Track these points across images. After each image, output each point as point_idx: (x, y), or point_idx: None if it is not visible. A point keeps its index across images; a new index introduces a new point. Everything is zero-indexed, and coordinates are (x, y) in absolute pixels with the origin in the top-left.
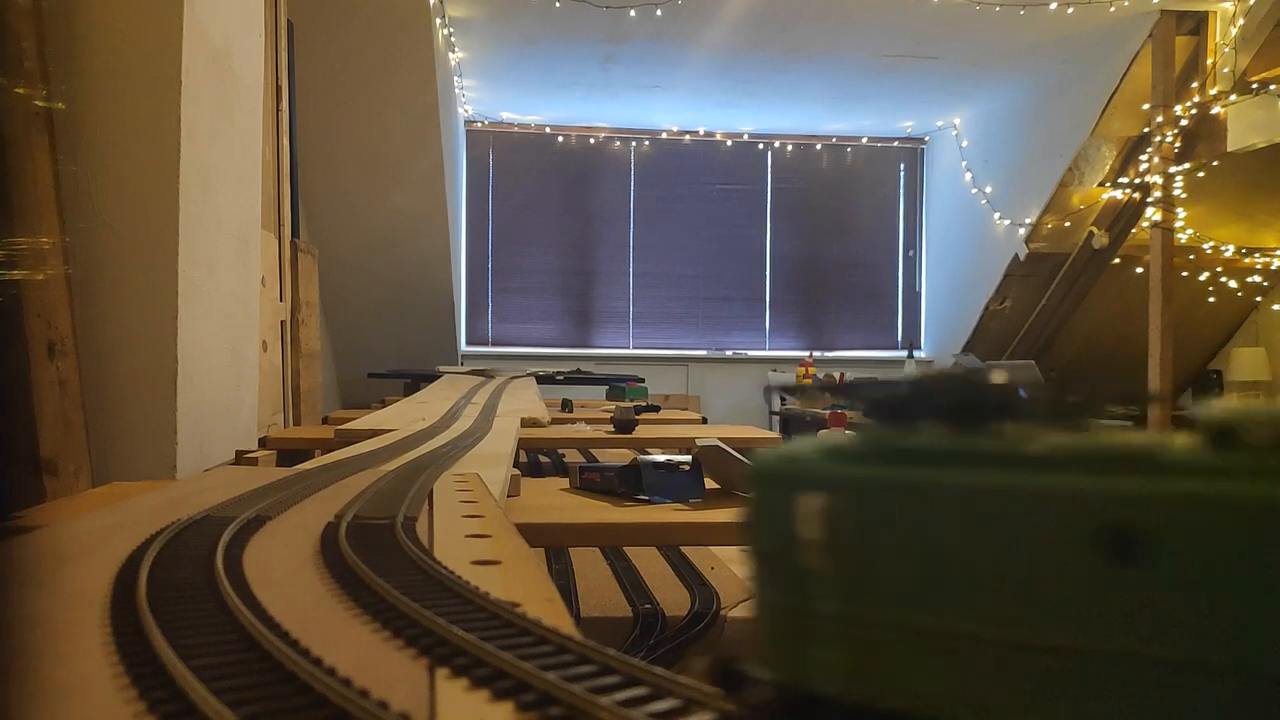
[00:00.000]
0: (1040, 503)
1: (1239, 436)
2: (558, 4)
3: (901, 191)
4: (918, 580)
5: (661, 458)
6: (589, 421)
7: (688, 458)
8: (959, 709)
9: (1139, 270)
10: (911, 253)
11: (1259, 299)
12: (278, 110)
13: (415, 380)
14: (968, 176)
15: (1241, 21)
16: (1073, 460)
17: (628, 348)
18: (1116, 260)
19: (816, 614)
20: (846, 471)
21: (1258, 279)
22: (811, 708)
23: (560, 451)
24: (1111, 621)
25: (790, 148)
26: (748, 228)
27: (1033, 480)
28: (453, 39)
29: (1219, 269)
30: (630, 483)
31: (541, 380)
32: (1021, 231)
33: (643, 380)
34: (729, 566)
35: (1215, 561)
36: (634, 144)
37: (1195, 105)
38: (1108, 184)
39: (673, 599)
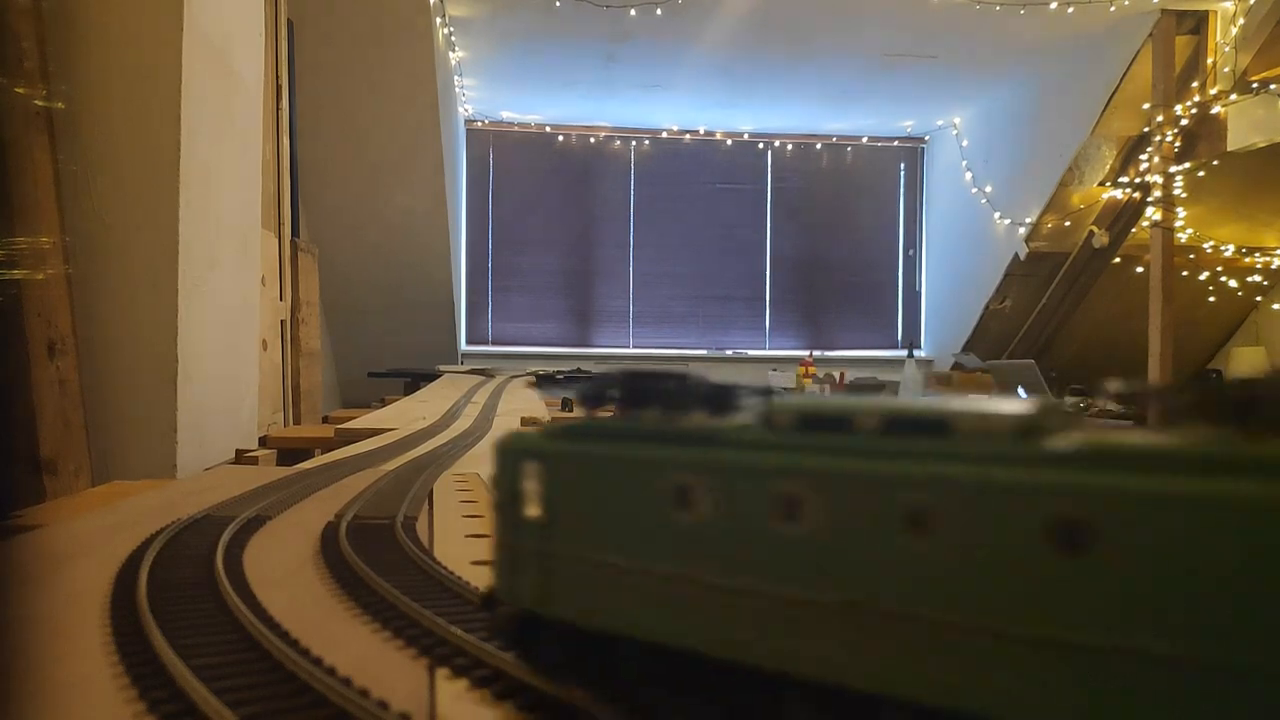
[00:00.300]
0: (646, 469)
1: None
2: (558, 3)
3: (902, 191)
4: (587, 525)
5: None
6: None
7: None
8: (618, 620)
9: (1139, 270)
10: (911, 252)
11: (1259, 298)
12: (278, 109)
13: (415, 379)
14: (968, 176)
15: (1242, 21)
16: (674, 438)
17: (628, 347)
18: (1117, 260)
19: (525, 550)
20: (549, 445)
21: (1258, 278)
22: (528, 622)
23: None
24: (679, 551)
25: (790, 147)
26: (748, 227)
27: (650, 451)
28: (453, 38)
29: (1219, 268)
30: None
31: (542, 380)
32: (1022, 231)
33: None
34: None
35: (743, 507)
36: (634, 143)
37: (1195, 105)
38: (1108, 183)
39: None
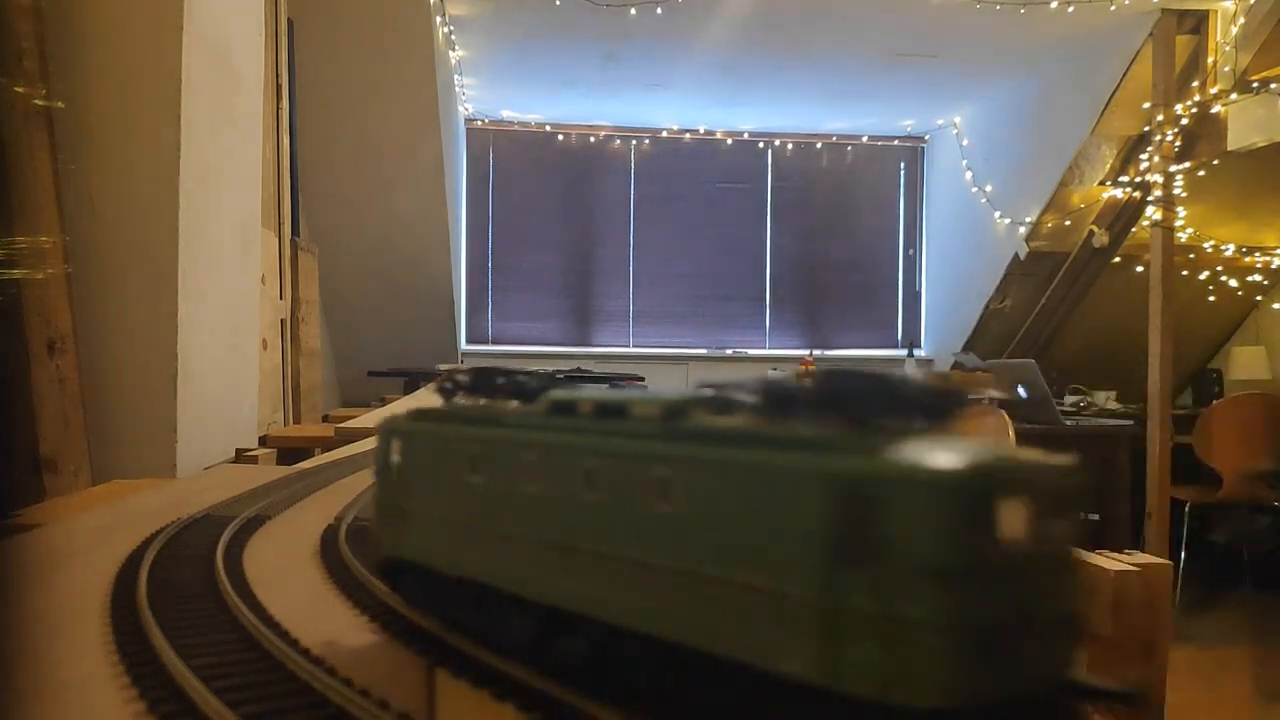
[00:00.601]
0: (455, 443)
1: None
2: (558, 2)
3: (902, 190)
4: (423, 486)
5: None
6: None
7: None
8: (440, 560)
9: (1139, 269)
10: (912, 251)
11: (1259, 298)
12: (278, 108)
13: (415, 378)
14: (968, 175)
15: (1242, 20)
16: (477, 419)
17: (628, 346)
18: (1117, 259)
19: (390, 507)
20: (405, 425)
21: (1258, 278)
22: (395, 564)
23: None
24: (471, 508)
25: (790, 146)
26: (748, 226)
27: (458, 430)
28: (453, 37)
29: (1219, 268)
30: None
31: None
32: (1022, 230)
33: (643, 379)
34: None
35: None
36: (634, 142)
37: (1196, 104)
38: (1108, 183)
39: None
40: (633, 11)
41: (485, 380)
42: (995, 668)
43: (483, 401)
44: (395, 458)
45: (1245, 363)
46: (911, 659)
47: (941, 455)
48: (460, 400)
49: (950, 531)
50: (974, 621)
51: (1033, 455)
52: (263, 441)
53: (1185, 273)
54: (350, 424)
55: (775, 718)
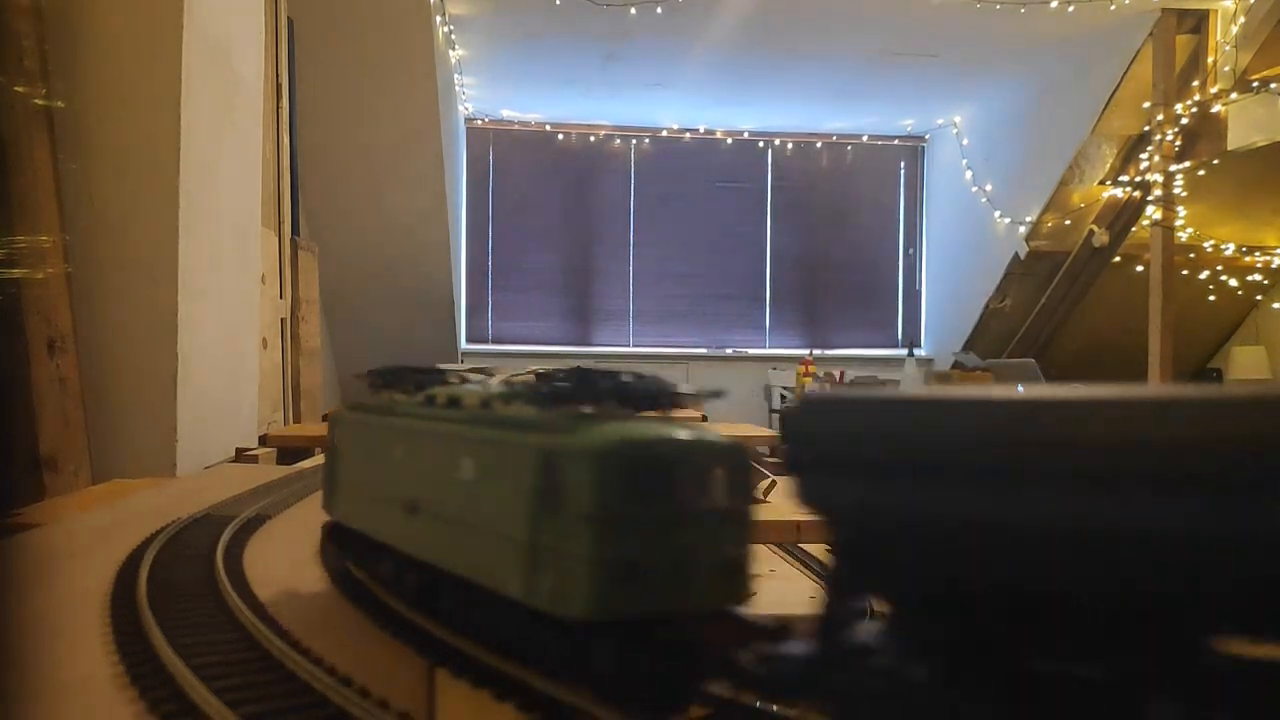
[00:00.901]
0: (364, 426)
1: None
2: (558, 2)
3: (902, 190)
4: (347, 461)
5: None
6: None
7: None
8: (355, 521)
9: (1139, 269)
10: (912, 251)
11: (1259, 297)
12: (278, 108)
13: None
14: (968, 175)
15: (1242, 20)
16: (385, 409)
17: (628, 346)
18: (1117, 259)
19: (331, 480)
20: (344, 414)
21: (1258, 277)
22: (335, 527)
23: None
24: (372, 478)
25: (790, 146)
26: (748, 226)
27: (368, 417)
28: (453, 36)
29: (1219, 267)
30: None
31: (541, 379)
32: (1022, 230)
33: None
34: None
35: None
36: (634, 142)
37: (1196, 104)
38: (1108, 182)
39: None
40: (633, 11)
41: (394, 376)
42: (631, 592)
43: (389, 394)
44: (334, 440)
45: (1245, 362)
46: (570, 582)
47: (611, 433)
48: (378, 393)
49: (596, 489)
50: (612, 557)
51: (702, 436)
52: (263, 441)
53: (1185, 272)
54: None
55: (516, 633)
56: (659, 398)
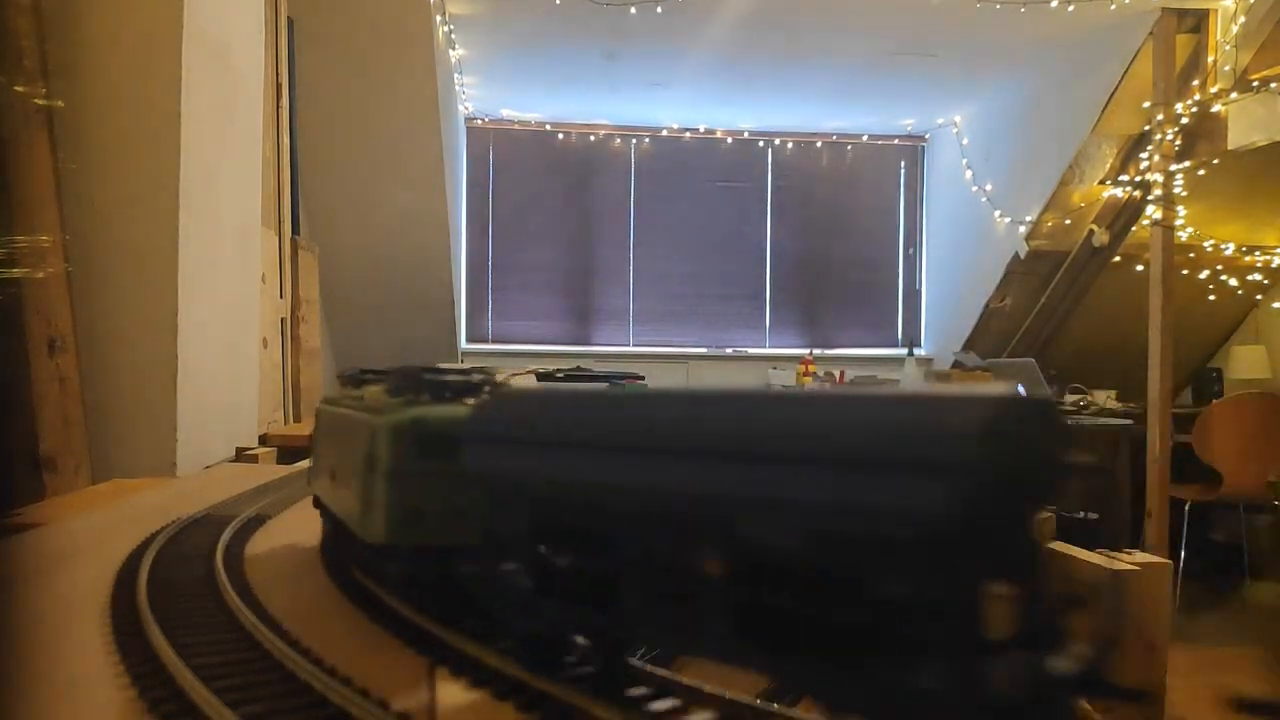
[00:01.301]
0: (330, 416)
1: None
2: (558, 1)
3: (902, 189)
4: (317, 445)
5: None
6: None
7: None
8: (323, 494)
9: (1139, 268)
10: (912, 250)
11: (1259, 297)
12: (278, 107)
13: None
14: (968, 174)
15: (1242, 19)
16: (347, 403)
17: (628, 345)
18: (1117, 258)
19: (312, 460)
20: (320, 407)
21: (1258, 277)
22: (316, 500)
23: None
24: (330, 456)
25: (790, 145)
26: (748, 225)
27: (334, 408)
28: (453, 36)
29: (1219, 267)
30: None
31: (541, 378)
32: (1022, 229)
33: (643, 378)
34: None
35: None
36: (634, 141)
37: (1196, 103)
38: (1108, 182)
39: None
40: (633, 11)
41: (352, 376)
42: (415, 527)
43: (351, 389)
44: (314, 426)
45: (1245, 362)
46: (377, 518)
47: (408, 413)
48: (345, 388)
49: (390, 452)
50: (399, 500)
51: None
52: (263, 440)
53: (1185, 272)
54: None
55: (360, 559)
56: (479, 387)
